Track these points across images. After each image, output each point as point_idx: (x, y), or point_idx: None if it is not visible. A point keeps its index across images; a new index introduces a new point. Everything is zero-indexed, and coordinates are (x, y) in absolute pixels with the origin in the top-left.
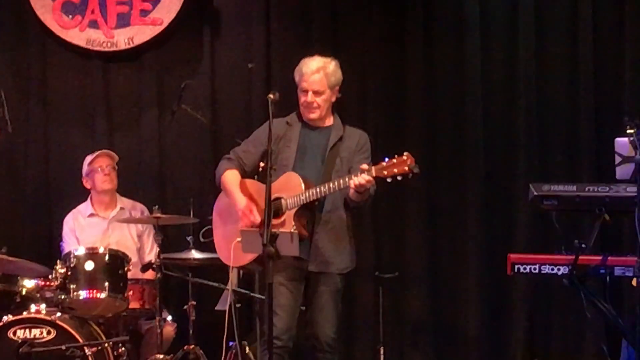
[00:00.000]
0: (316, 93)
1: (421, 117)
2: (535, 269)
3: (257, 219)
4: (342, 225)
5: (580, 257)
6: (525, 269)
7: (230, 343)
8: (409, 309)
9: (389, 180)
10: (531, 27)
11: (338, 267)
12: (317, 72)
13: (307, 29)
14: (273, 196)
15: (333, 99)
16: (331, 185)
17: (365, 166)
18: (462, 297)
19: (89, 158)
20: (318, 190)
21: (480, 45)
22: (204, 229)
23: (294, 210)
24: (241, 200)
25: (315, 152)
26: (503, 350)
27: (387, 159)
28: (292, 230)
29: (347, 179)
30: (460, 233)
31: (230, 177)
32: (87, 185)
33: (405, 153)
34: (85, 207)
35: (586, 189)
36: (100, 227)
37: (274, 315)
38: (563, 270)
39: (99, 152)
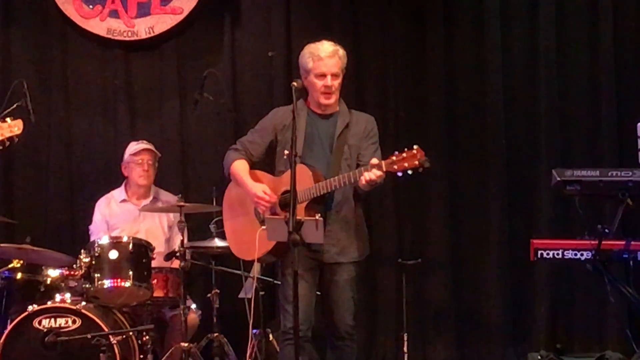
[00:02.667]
0: (334, 76)
1: (442, 103)
2: (558, 254)
3: (274, 198)
4: (353, 214)
5: (603, 242)
6: (548, 254)
7: (254, 331)
8: (432, 296)
9: (399, 174)
10: (552, 14)
11: (352, 256)
12: (334, 56)
13: (327, 16)
14: (283, 189)
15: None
16: (342, 179)
17: (375, 161)
18: (484, 283)
19: (132, 147)
20: (328, 183)
21: (501, 31)
22: (214, 219)
23: (304, 204)
24: (255, 186)
25: (322, 140)
26: (526, 336)
27: (396, 153)
28: (317, 217)
29: (357, 174)
30: (482, 219)
31: (240, 167)
32: (125, 173)
33: (415, 147)
34: (119, 193)
35: (609, 174)
36: (132, 214)
37: (291, 307)
38: (586, 255)
39: (144, 146)
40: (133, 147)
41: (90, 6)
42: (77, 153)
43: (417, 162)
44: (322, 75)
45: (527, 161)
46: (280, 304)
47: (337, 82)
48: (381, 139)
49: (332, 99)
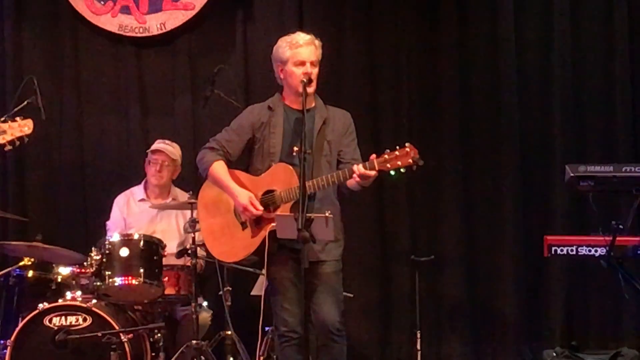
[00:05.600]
0: (312, 64)
1: (456, 99)
2: (572, 250)
3: (260, 212)
4: (336, 212)
5: (617, 238)
6: (562, 250)
7: (267, 328)
8: (446, 293)
9: (392, 173)
10: (566, 6)
11: (334, 254)
12: (311, 44)
13: (340, 12)
14: (265, 189)
15: None
16: (330, 179)
17: (360, 167)
18: (498, 279)
19: (154, 145)
20: (316, 183)
21: (515, 26)
22: (186, 221)
23: (289, 204)
24: (241, 194)
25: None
26: (541, 332)
27: (388, 151)
28: (327, 214)
29: (347, 173)
30: (496, 215)
31: (221, 169)
32: (146, 169)
33: (407, 144)
34: (138, 191)
35: (623, 170)
36: (149, 213)
37: (283, 310)
38: (600, 251)
39: (159, 146)
40: (154, 145)
41: (102, 2)
42: (89, 150)
43: (410, 160)
44: (302, 63)
45: (541, 157)
46: (272, 308)
47: (315, 71)
48: (394, 135)
49: (312, 88)
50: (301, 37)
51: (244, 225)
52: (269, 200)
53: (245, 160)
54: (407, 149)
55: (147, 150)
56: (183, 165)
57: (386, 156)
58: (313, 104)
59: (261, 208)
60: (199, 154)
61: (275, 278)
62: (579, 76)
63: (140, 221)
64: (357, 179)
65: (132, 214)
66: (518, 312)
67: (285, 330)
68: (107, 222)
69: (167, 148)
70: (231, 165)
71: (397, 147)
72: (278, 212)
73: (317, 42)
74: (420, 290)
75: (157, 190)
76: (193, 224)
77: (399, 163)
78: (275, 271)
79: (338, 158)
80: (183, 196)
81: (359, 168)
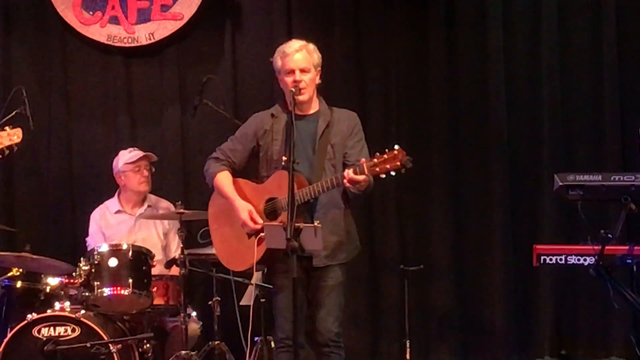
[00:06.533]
0: (303, 71)
1: (445, 107)
2: (561, 259)
3: (259, 226)
4: (341, 215)
5: (606, 247)
6: (551, 259)
7: (256, 338)
8: (435, 302)
9: (382, 176)
10: (554, 17)
11: (340, 258)
12: (300, 50)
13: (329, 21)
14: (267, 197)
15: (317, 81)
16: (325, 184)
17: (350, 171)
18: (488, 289)
19: (126, 155)
20: (312, 190)
21: (503, 34)
22: (202, 230)
23: None
24: (242, 207)
25: (304, 142)
26: (530, 342)
27: (377, 154)
28: (315, 224)
29: (340, 177)
30: (485, 224)
31: (225, 180)
32: (120, 182)
33: (395, 147)
34: (112, 204)
35: (611, 179)
36: (127, 224)
37: (282, 318)
38: (589, 260)
39: (142, 153)
40: (127, 155)
41: (90, 12)
42: (78, 160)
43: (399, 163)
44: (291, 72)
45: (530, 166)
46: (273, 314)
47: (307, 77)
48: (383, 143)
49: (305, 95)
50: (291, 44)
51: (249, 234)
52: (271, 207)
53: (255, 167)
54: (396, 152)
55: (126, 162)
56: (171, 175)
57: (375, 160)
58: (317, 108)
59: (260, 221)
60: (206, 164)
61: (277, 285)
62: (567, 85)
63: (119, 232)
64: (348, 184)
65: (110, 227)
66: (507, 322)
67: (282, 337)
68: (87, 239)
69: (149, 154)
70: (237, 173)
71: (386, 150)
72: (279, 220)
73: (311, 47)
74: (410, 300)
75: (136, 198)
76: (181, 233)
77: (388, 166)
78: (276, 278)
79: (344, 160)
80: (161, 202)
81: (348, 173)
